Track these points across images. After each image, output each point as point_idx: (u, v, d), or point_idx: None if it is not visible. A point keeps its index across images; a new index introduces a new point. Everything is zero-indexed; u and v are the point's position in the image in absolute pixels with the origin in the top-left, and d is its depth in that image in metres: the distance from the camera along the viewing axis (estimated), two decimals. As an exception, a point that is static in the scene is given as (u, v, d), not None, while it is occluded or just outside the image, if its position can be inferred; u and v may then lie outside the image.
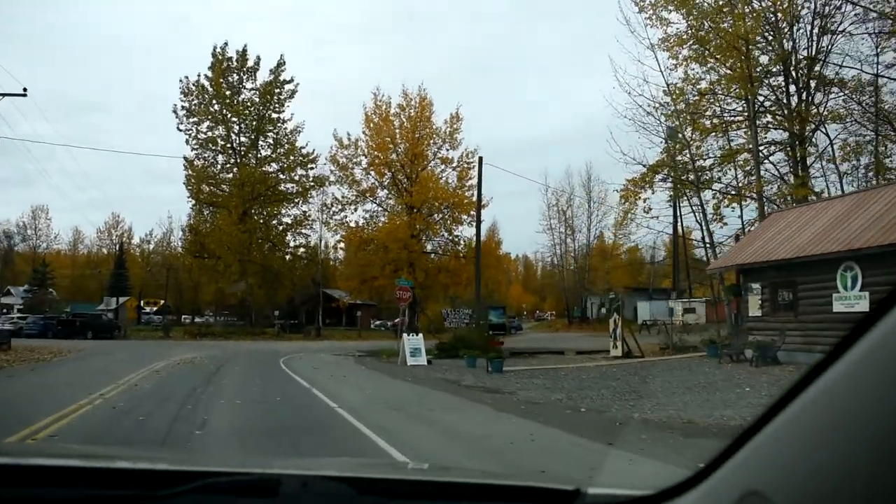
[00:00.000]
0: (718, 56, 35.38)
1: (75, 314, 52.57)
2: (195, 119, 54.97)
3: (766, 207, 34.09)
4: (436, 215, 55.00)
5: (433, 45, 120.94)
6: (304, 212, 57.55)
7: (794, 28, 34.49)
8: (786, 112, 35.49)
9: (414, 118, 54.28)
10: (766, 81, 36.07)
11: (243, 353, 32.94)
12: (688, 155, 37.92)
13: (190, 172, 55.15)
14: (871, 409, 0.80)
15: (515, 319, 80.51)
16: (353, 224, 55.22)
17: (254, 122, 56.04)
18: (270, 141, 56.69)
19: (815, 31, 34.07)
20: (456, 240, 56.07)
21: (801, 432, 0.89)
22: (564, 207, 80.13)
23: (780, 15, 34.09)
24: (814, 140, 35.57)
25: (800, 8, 34.21)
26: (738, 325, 27.99)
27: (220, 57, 54.77)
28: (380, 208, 56.08)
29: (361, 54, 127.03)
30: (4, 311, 66.85)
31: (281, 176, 56.68)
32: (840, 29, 33.19)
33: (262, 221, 56.97)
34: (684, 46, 36.18)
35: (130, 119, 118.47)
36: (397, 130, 54.09)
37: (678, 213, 75.22)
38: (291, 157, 56.12)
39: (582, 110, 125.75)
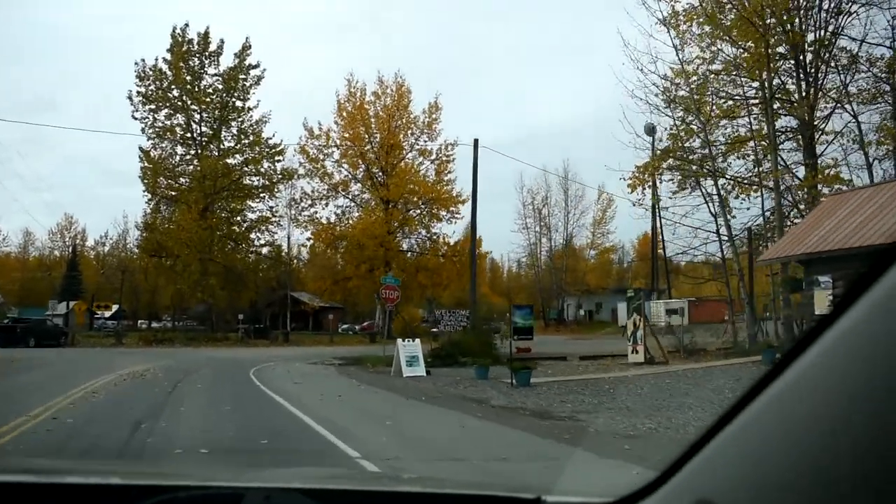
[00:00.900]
0: (734, 33, 31.32)
1: (16, 320, 46.68)
2: (152, 106, 49.44)
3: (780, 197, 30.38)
4: (414, 211, 50.35)
5: (410, 33, 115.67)
6: (271, 207, 52.32)
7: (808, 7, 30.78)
8: (802, 95, 31.58)
9: (390, 107, 49.60)
10: (777, 65, 32.21)
11: (205, 362, 27.89)
12: (697, 141, 33.76)
13: (146, 164, 49.64)
14: (816, 419, 0.80)
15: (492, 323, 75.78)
16: (324, 220, 50.29)
17: (216, 111, 50.65)
18: (234, 131, 51.29)
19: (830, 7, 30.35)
20: (434, 237, 51.42)
21: (750, 441, 0.88)
22: (540, 206, 76.18)
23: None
24: (827, 126, 31.77)
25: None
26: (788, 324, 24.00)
27: (179, 39, 49.35)
28: (353, 203, 51.28)
29: (332, 52, 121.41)
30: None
31: (246, 168, 51.25)
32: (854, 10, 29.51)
33: (224, 218, 51.46)
34: (694, 23, 32.21)
35: (84, 118, 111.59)
36: (372, 120, 49.35)
37: (657, 209, 71.81)
38: (257, 149, 50.79)
39: (561, 110, 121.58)
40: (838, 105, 31.19)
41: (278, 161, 51.05)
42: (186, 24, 49.66)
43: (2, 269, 78.99)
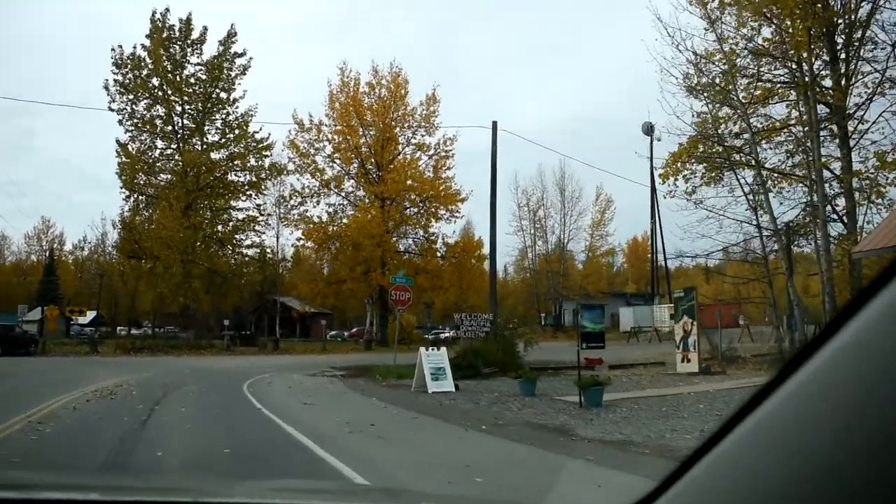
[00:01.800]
0: (773, 10, 27.66)
1: (-18, 327, 41.90)
2: (130, 96, 44.98)
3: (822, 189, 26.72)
4: (412, 209, 46.36)
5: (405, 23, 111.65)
6: (259, 205, 47.95)
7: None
8: (840, 81, 28.02)
9: (386, 99, 45.62)
10: (818, 46, 28.61)
11: (189, 374, 23.70)
12: (732, 126, 30.05)
13: (123, 159, 45.19)
14: (817, 431, 0.77)
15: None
16: (315, 219, 46.16)
17: (199, 103, 46.25)
18: (219, 124, 46.90)
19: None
20: (433, 237, 47.42)
21: (748, 453, 0.85)
22: (535, 207, 72.28)
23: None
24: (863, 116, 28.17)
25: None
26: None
27: (159, 24, 44.98)
28: (346, 201, 47.18)
29: (330, 50, 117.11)
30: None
31: (231, 164, 46.86)
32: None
33: (208, 217, 46.91)
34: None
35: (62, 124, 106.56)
36: (367, 112, 45.30)
37: (657, 207, 68.22)
38: (243, 143, 46.47)
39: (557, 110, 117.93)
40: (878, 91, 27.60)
41: (266, 157, 46.87)
42: (167, 9, 45.39)
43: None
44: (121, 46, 44.46)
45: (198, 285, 44.10)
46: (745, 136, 29.65)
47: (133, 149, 45.38)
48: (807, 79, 28.00)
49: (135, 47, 44.85)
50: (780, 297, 28.48)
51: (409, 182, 44.70)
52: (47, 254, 79.81)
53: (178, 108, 46.09)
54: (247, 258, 49.60)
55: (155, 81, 44.98)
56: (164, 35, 44.88)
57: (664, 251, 69.91)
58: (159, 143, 46.48)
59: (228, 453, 8.55)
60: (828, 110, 28.86)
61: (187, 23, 45.54)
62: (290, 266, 59.21)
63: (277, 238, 49.54)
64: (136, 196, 46.35)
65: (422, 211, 46.18)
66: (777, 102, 30.38)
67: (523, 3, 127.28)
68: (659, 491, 1.05)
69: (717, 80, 29.62)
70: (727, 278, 33.63)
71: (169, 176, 46.48)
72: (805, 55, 27.79)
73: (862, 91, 28.34)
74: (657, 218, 70.49)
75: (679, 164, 29.79)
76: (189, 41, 45.68)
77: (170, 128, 46.13)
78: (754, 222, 29.26)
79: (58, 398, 14.65)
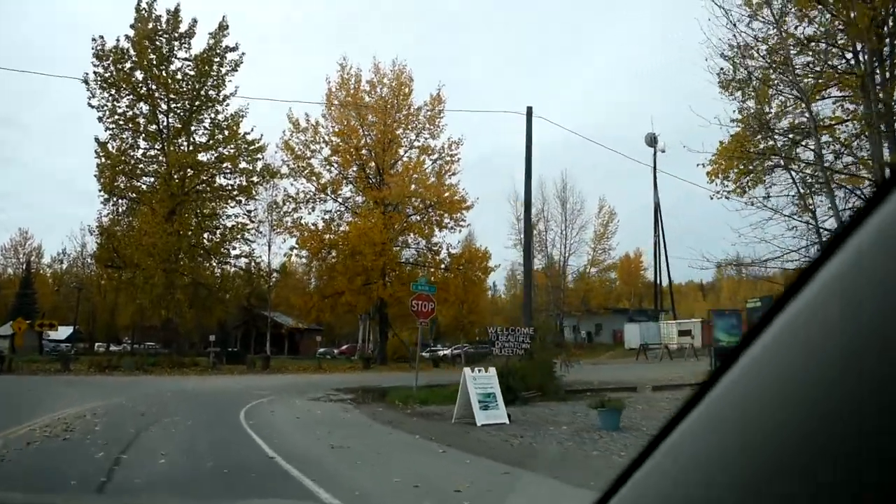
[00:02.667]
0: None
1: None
2: (112, 92, 40.64)
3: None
4: (416, 216, 42.37)
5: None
6: (249, 212, 43.62)
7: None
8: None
9: (388, 98, 41.75)
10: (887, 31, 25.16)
11: (171, 399, 19.49)
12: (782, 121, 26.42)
13: (103, 160, 40.79)
14: (724, 446, 0.76)
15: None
16: (311, 226, 42.03)
17: (186, 101, 42.02)
18: (207, 124, 42.58)
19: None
20: (436, 247, 43.42)
21: (681, 456, 0.84)
22: (535, 220, 68.26)
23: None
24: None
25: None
26: None
27: (144, 15, 40.79)
28: (343, 207, 43.10)
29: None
30: None
31: (220, 166, 42.55)
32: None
33: (193, 224, 42.47)
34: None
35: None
36: (368, 112, 41.38)
37: (660, 220, 64.73)
38: (233, 144, 42.21)
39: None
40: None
41: (258, 159, 42.68)
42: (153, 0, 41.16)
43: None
44: (102, 37, 40.18)
45: (181, 297, 39.71)
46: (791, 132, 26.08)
47: (114, 148, 40.99)
48: (864, 68, 24.46)
49: (118, 39, 40.70)
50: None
51: (412, 187, 40.74)
52: (24, 267, 74.95)
53: (164, 106, 41.85)
54: (235, 269, 45.25)
55: (139, 76, 40.73)
56: (150, 26, 40.68)
57: (668, 266, 66.92)
58: (142, 143, 42.13)
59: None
60: (882, 106, 25.38)
61: (175, 14, 41.42)
62: (277, 279, 54.92)
63: (269, 246, 45.37)
64: (115, 200, 41.94)
65: (425, 219, 42.19)
66: (827, 98, 26.86)
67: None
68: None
69: (769, 70, 26.03)
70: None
71: (152, 179, 42.16)
72: (862, 45, 24.28)
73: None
74: (660, 231, 67.52)
75: (725, 161, 26.12)
76: (177, 34, 41.53)
77: (154, 127, 41.81)
78: (811, 223, 25.66)
79: (4, 430, 10.53)
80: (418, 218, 42.13)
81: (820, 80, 26.23)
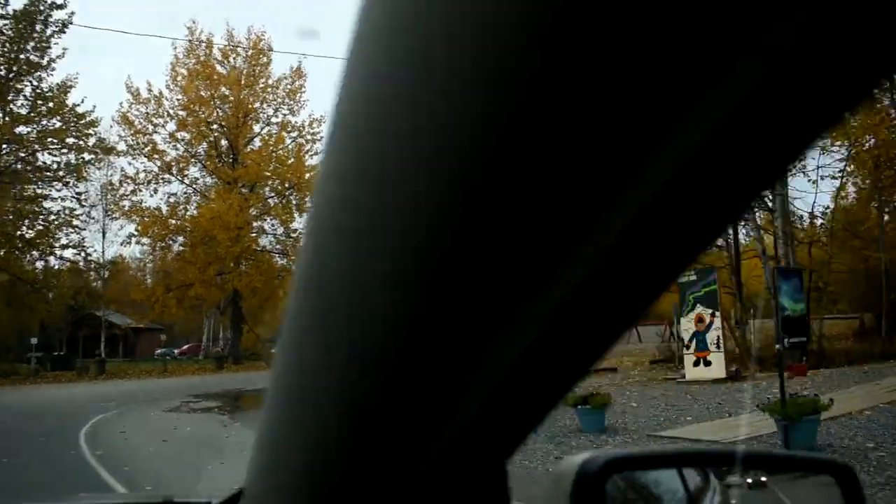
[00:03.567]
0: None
1: None
2: None
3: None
4: (275, 198, 38.22)
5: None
6: (79, 194, 37.64)
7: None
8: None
9: (243, 68, 37.46)
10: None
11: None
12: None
13: None
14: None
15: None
16: (154, 210, 36.79)
17: (2, 67, 35.61)
18: (28, 92, 36.27)
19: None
20: (296, 235, 39.37)
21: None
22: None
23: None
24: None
25: None
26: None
27: (-56, -40, 34.06)
28: (191, 189, 38.16)
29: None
30: None
31: (44, 141, 36.37)
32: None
33: (11, 208, 36.00)
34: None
35: None
36: (221, 83, 36.87)
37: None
38: (59, 117, 36.24)
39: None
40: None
41: (90, 135, 36.89)
42: (-42, -55, 34.50)
43: None
44: None
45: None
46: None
47: None
48: None
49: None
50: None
51: (271, 166, 36.59)
52: None
53: (-28, 70, 35.18)
54: (61, 262, 39.08)
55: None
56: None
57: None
58: (-55, 114, 35.21)
59: None
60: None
61: (-15, -36, 34.92)
62: (110, 271, 48.41)
63: (103, 234, 39.44)
64: None
65: (284, 202, 38.10)
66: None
67: None
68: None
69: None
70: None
71: (-44, 154, 35.35)
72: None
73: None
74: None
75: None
76: (-13, -13, 35.06)
77: (-40, 94, 35.04)
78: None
79: None
80: (277, 200, 37.97)
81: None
